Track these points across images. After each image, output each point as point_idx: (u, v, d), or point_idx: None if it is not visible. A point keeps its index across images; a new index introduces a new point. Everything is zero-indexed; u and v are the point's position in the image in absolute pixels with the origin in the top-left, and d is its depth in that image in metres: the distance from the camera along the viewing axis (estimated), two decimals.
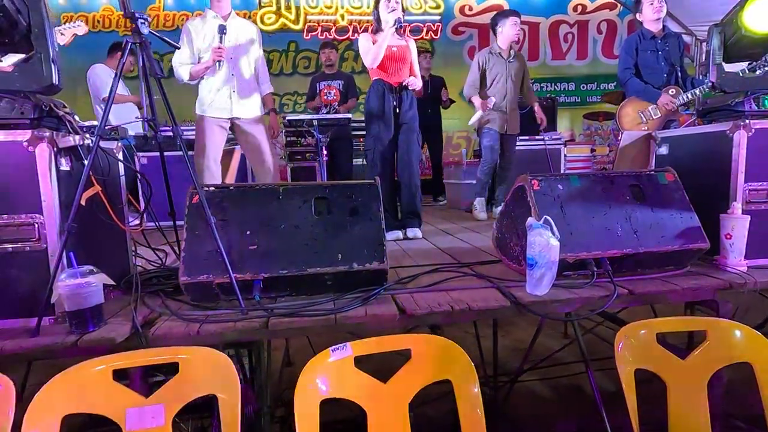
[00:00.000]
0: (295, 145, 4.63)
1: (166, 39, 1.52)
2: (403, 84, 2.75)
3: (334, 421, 1.21)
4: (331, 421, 1.03)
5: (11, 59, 1.52)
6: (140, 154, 3.78)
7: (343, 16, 6.07)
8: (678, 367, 1.06)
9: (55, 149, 1.32)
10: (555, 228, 1.48)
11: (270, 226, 1.52)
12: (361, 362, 1.06)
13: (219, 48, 2.58)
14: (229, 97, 2.73)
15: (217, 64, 2.61)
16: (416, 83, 2.77)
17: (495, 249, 2.00)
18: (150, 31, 1.38)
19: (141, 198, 4.03)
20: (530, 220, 1.51)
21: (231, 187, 1.58)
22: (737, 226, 1.65)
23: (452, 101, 5.16)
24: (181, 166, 2.97)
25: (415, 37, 6.71)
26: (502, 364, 2.34)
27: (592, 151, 4.81)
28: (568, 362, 2.39)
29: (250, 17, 6.11)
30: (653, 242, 1.64)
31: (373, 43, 2.72)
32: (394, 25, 2.64)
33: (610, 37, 7.45)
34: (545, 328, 2.43)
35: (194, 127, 2.84)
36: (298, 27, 6.08)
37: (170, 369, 1.12)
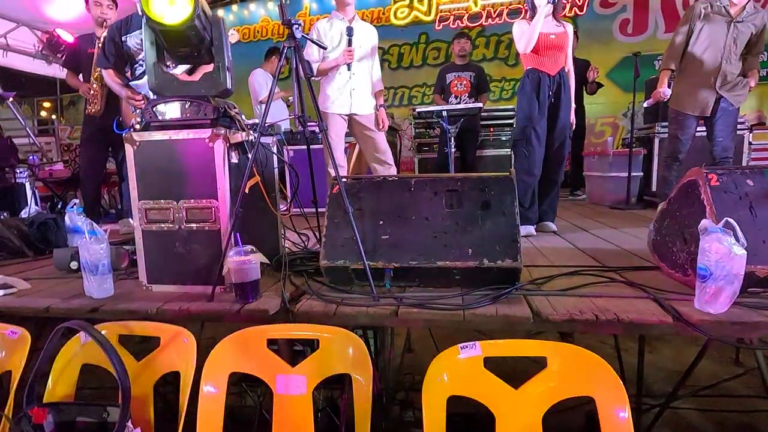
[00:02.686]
0: (423, 136, 4.67)
1: (315, 41, 1.65)
2: (561, 72, 2.57)
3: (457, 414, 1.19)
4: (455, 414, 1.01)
5: (199, 70, 1.83)
6: (288, 147, 4.27)
7: (476, 2, 5.86)
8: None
9: (227, 144, 1.56)
10: (740, 233, 1.20)
11: (401, 217, 1.56)
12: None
13: (350, 51, 2.73)
14: (350, 94, 2.90)
15: (347, 65, 2.76)
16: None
17: (651, 254, 1.72)
18: (302, 35, 1.51)
19: (288, 186, 4.57)
20: (705, 222, 1.25)
21: (367, 179, 1.66)
22: None
23: (600, 85, 4.59)
24: (321, 158, 3.23)
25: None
26: (647, 384, 2.02)
27: None
28: (739, 395, 1.95)
29: (384, 14, 6.33)
30: None
31: None
32: (548, 3, 2.44)
33: None
34: (709, 350, 2.00)
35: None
36: (430, 18, 6.07)
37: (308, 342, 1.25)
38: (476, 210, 1.52)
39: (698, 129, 2.99)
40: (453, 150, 3.61)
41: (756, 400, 1.84)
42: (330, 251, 1.54)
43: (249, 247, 1.46)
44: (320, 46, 1.73)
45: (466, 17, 5.96)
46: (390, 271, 1.50)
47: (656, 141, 3.87)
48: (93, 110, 2.98)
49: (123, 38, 2.54)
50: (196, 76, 1.74)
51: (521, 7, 5.78)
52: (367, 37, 2.97)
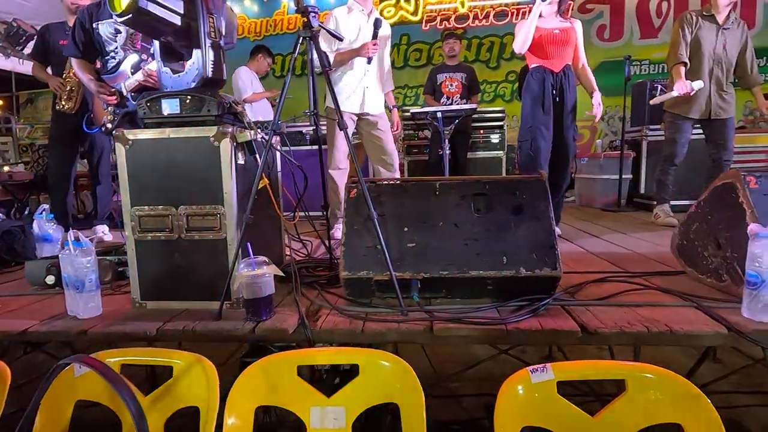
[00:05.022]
0: (412, 139, 4.58)
1: (332, 31, 1.51)
2: (566, 69, 2.51)
3: None
4: None
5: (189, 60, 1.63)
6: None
7: (463, 3, 5.82)
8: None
9: (234, 144, 1.39)
10: None
11: (427, 224, 1.44)
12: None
13: (375, 44, 2.52)
14: (363, 92, 2.72)
15: (368, 59, 2.57)
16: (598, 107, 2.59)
17: (676, 258, 1.68)
18: (319, 24, 1.37)
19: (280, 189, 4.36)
20: (754, 227, 1.20)
21: (387, 182, 1.53)
22: None
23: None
24: (312, 159, 3.02)
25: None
26: None
27: None
28: (722, 392, 1.88)
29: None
30: None
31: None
32: (542, 2, 2.39)
33: None
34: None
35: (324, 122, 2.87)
36: (417, 18, 5.98)
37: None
38: (507, 215, 1.42)
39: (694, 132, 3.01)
40: (448, 152, 3.53)
41: (739, 396, 1.80)
42: (350, 261, 1.40)
43: (262, 259, 1.31)
44: (336, 37, 1.59)
45: (453, 18, 5.92)
46: (417, 282, 1.38)
47: (644, 144, 3.92)
48: (66, 107, 2.70)
49: (94, 25, 2.28)
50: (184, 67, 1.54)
51: (507, 9, 5.79)
52: (384, 33, 2.77)
